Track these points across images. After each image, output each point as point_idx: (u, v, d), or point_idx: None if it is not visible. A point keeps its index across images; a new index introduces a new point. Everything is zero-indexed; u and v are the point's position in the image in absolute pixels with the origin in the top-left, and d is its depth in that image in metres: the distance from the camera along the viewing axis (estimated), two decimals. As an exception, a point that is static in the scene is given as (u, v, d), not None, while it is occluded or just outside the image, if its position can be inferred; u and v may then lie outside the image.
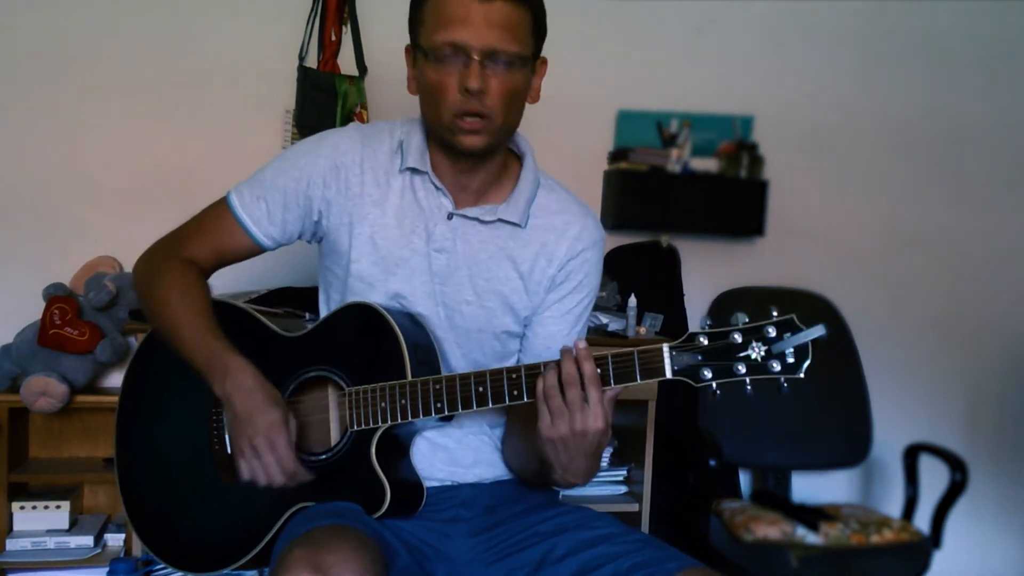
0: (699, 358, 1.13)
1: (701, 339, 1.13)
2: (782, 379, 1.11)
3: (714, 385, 1.13)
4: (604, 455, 2.40)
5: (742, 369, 1.12)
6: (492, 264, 1.36)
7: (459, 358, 1.38)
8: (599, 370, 1.16)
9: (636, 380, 1.15)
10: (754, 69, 2.78)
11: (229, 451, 1.37)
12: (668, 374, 1.14)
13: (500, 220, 1.35)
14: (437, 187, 1.34)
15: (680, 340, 1.14)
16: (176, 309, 1.33)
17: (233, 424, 1.27)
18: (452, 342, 1.37)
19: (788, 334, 1.11)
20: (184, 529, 1.41)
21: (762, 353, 1.11)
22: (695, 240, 2.76)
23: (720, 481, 2.61)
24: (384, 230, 1.34)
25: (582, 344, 1.17)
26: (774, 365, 1.11)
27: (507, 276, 1.37)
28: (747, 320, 1.13)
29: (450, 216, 1.35)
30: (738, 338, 1.12)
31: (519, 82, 1.26)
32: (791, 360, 1.11)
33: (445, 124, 1.26)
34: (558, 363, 1.18)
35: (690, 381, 1.13)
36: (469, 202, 1.36)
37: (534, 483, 1.42)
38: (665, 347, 1.14)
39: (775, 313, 1.12)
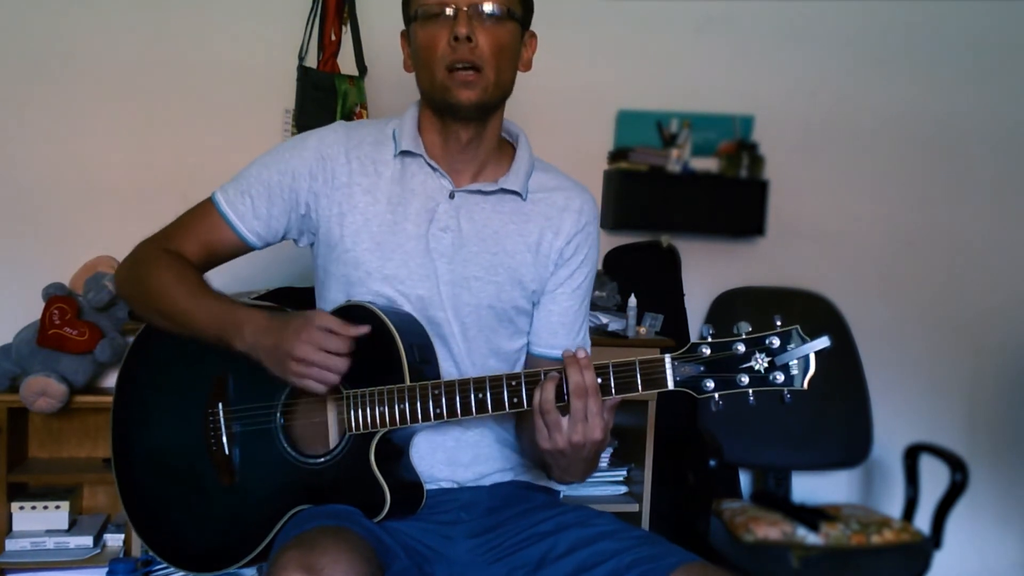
0: (701, 369, 1.13)
1: (703, 349, 1.13)
2: (785, 391, 1.11)
3: (716, 396, 1.12)
4: (604, 455, 2.41)
5: (745, 380, 1.11)
6: (499, 239, 1.37)
7: (467, 341, 1.38)
8: (600, 380, 1.16)
9: (637, 391, 1.15)
10: (754, 69, 2.77)
11: (226, 452, 1.37)
12: (670, 385, 1.14)
13: (502, 190, 1.37)
14: (433, 168, 1.35)
15: (682, 350, 1.14)
16: (172, 290, 1.34)
17: (271, 363, 1.25)
18: (458, 322, 1.37)
19: (792, 345, 1.11)
20: (183, 530, 1.41)
21: (765, 364, 1.11)
22: (695, 240, 2.75)
23: (720, 481, 2.61)
24: (377, 216, 1.35)
25: (582, 353, 1.17)
26: (777, 376, 1.11)
27: (515, 249, 1.37)
28: (750, 329, 1.12)
29: (452, 195, 1.35)
30: (741, 348, 1.12)
31: (507, 36, 1.29)
32: (794, 371, 1.10)
33: (439, 82, 1.28)
34: (559, 372, 1.17)
35: (692, 392, 1.13)
36: (467, 181, 1.38)
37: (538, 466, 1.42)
38: (667, 358, 1.14)
39: (779, 323, 1.12)
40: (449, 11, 1.25)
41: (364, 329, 1.23)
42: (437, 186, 1.36)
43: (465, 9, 1.25)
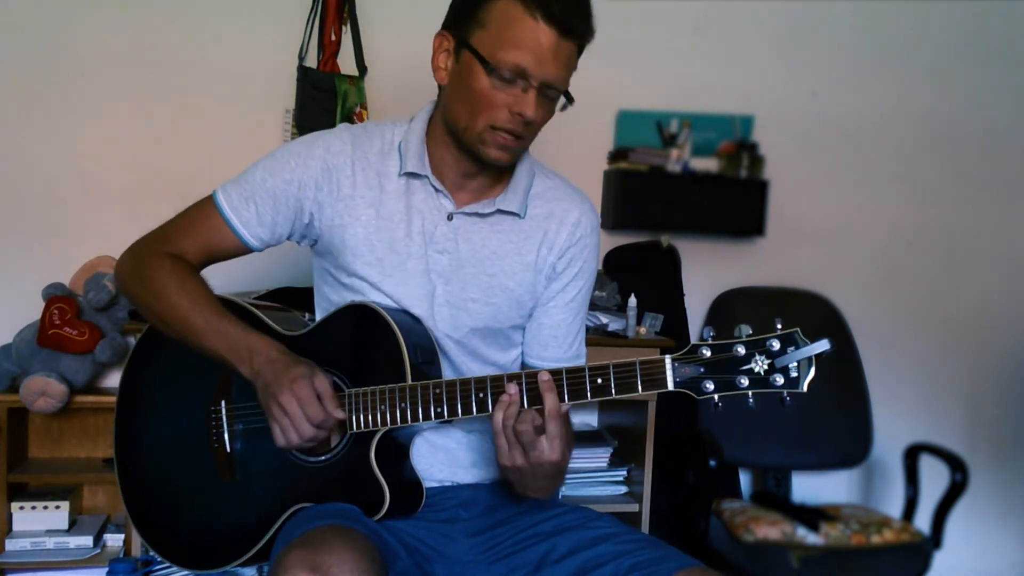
0: (701, 370, 1.13)
1: (704, 351, 1.13)
2: (784, 393, 1.11)
3: (716, 398, 1.12)
4: (604, 455, 2.41)
5: (744, 382, 1.11)
6: (496, 259, 1.36)
7: (462, 357, 1.38)
8: (600, 380, 1.16)
9: (637, 391, 1.15)
10: (754, 69, 2.77)
11: (228, 449, 1.37)
12: (670, 386, 1.13)
13: (499, 211, 1.36)
14: (437, 189, 1.35)
15: (682, 352, 1.14)
16: (180, 302, 1.33)
17: (261, 393, 1.25)
18: (455, 341, 1.37)
19: (792, 348, 1.10)
20: (184, 527, 1.41)
21: (765, 366, 1.11)
22: (695, 240, 2.75)
23: (720, 481, 2.60)
24: (379, 231, 1.34)
25: (544, 376, 1.17)
26: (777, 379, 1.11)
27: (512, 270, 1.37)
28: (751, 332, 1.12)
29: (450, 217, 1.35)
30: (741, 351, 1.12)
31: (553, 109, 1.29)
32: (794, 374, 1.10)
33: (477, 131, 1.26)
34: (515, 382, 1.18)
35: (692, 393, 1.13)
36: (468, 200, 1.37)
37: None
38: (667, 359, 1.14)
39: (779, 325, 1.12)
40: (524, 83, 1.23)
41: (341, 415, 1.25)
42: (436, 206, 1.35)
43: (536, 87, 1.23)
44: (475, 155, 1.29)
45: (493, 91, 1.24)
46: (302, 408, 1.21)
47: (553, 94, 1.26)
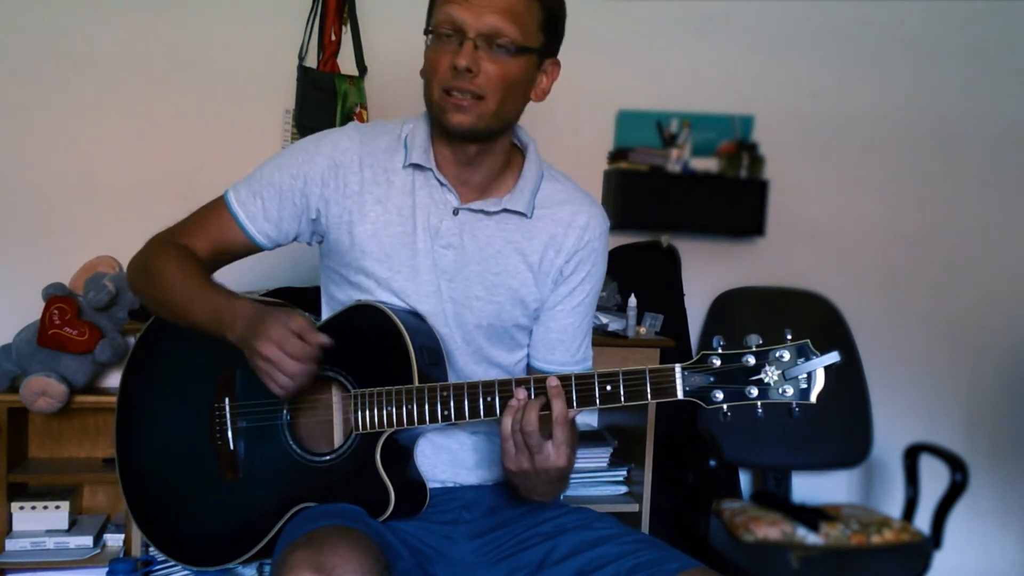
0: (711, 380, 1.13)
1: (714, 360, 1.13)
2: (794, 404, 1.11)
3: (725, 408, 1.12)
4: (604, 455, 2.41)
5: (754, 393, 1.12)
6: (501, 258, 1.36)
7: (467, 355, 1.38)
8: (609, 387, 1.16)
9: (647, 399, 1.16)
10: (754, 69, 2.77)
11: (231, 447, 1.37)
12: (679, 395, 1.14)
13: (506, 211, 1.35)
14: (442, 183, 1.34)
15: (692, 361, 1.14)
16: (175, 279, 1.33)
17: (248, 356, 1.23)
18: (460, 339, 1.37)
19: (802, 359, 1.11)
20: (184, 524, 1.41)
21: (775, 377, 1.11)
22: (695, 240, 2.75)
23: (720, 481, 2.60)
24: (387, 227, 1.34)
25: (553, 382, 1.18)
26: (787, 390, 1.11)
27: (516, 269, 1.36)
28: (761, 342, 1.12)
29: (456, 212, 1.34)
30: (751, 361, 1.12)
31: (516, 71, 1.26)
32: (803, 385, 1.11)
33: (435, 101, 1.27)
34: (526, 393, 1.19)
35: (701, 403, 1.13)
36: (473, 197, 1.36)
37: None
38: (677, 367, 1.14)
39: (789, 336, 1.12)
40: (458, 36, 1.23)
41: (327, 340, 1.22)
42: (442, 201, 1.35)
43: (472, 38, 1.22)
44: (444, 129, 1.28)
45: (437, 54, 1.25)
46: (281, 349, 1.19)
47: (501, 47, 1.24)
